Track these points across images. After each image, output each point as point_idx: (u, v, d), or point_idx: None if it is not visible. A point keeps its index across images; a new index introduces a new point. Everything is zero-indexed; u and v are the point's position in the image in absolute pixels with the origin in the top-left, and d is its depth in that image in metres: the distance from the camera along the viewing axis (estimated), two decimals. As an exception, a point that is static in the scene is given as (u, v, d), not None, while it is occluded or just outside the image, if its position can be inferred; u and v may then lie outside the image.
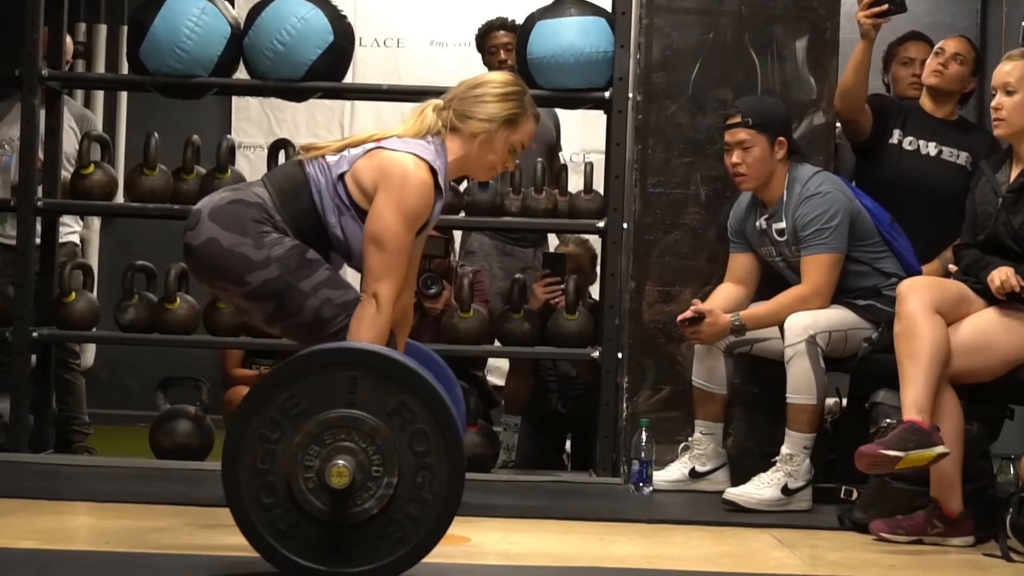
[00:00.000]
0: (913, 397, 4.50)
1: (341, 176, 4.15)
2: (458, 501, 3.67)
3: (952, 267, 5.06)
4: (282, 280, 4.10)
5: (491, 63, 6.53)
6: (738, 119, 5.29)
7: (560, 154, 6.83)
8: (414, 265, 4.44)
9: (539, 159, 5.94)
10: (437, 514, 3.65)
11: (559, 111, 6.64)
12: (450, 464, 3.65)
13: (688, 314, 5.23)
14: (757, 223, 5.33)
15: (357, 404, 3.62)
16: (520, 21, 5.98)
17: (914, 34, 6.07)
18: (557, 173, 6.03)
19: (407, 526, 3.63)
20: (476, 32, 6.63)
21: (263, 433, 3.61)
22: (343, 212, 4.16)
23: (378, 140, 4.18)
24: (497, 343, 5.87)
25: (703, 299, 5.36)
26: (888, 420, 4.73)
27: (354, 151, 4.18)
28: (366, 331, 4.02)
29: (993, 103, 4.84)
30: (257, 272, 4.09)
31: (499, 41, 6.49)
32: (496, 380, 7.60)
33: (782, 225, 5.25)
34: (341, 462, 3.56)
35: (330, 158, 4.20)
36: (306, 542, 3.62)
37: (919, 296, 4.61)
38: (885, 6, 5.50)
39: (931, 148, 5.73)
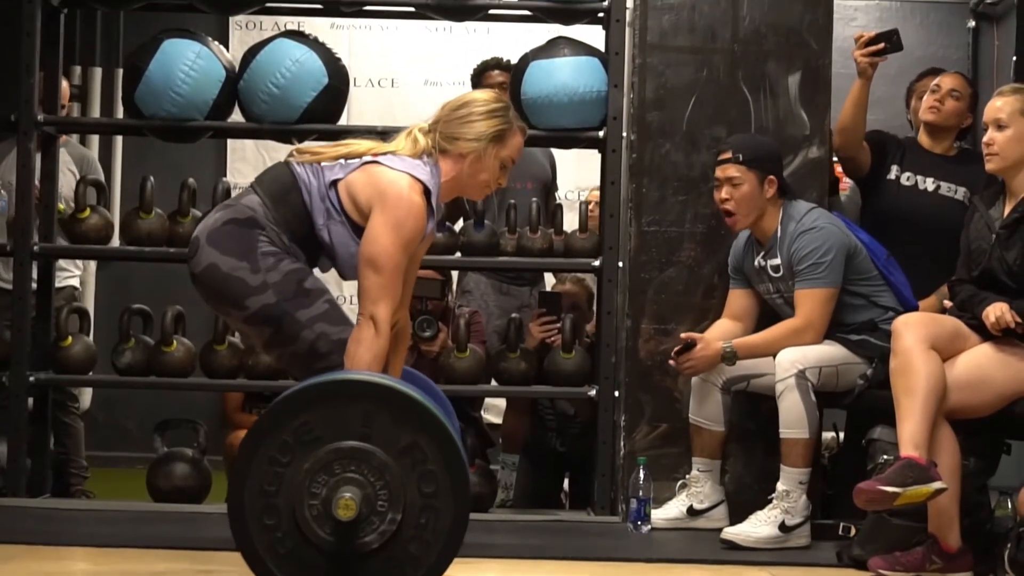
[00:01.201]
0: (910, 433, 4.50)
1: (334, 183, 4.19)
2: (459, 545, 3.68)
3: (947, 303, 5.07)
4: (279, 307, 4.12)
5: None
6: (729, 155, 5.31)
7: (556, 193, 6.85)
8: (409, 284, 4.46)
9: (534, 199, 5.95)
10: (437, 555, 3.66)
11: (554, 150, 6.65)
12: (455, 508, 3.66)
13: (683, 337, 5.24)
14: (755, 261, 5.35)
15: (370, 438, 3.63)
16: (514, 61, 6.00)
17: (931, 70, 6.10)
18: (552, 212, 6.04)
19: (406, 564, 3.64)
20: (472, 72, 6.66)
21: (273, 456, 3.63)
22: (331, 216, 4.19)
23: (375, 155, 4.21)
24: (494, 382, 5.87)
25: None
26: (885, 456, 4.74)
27: (351, 161, 4.21)
28: (364, 353, 4.04)
29: (985, 138, 4.86)
30: (255, 297, 4.12)
31: (494, 80, 6.51)
32: (492, 418, 7.61)
33: (777, 261, 5.26)
34: (348, 494, 3.57)
35: (324, 163, 4.23)
36: (303, 568, 3.63)
37: (915, 332, 4.62)
38: (881, 44, 5.54)
39: (929, 183, 5.75)
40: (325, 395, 3.69)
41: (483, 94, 4.45)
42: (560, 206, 6.05)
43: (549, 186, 6.67)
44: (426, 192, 4.17)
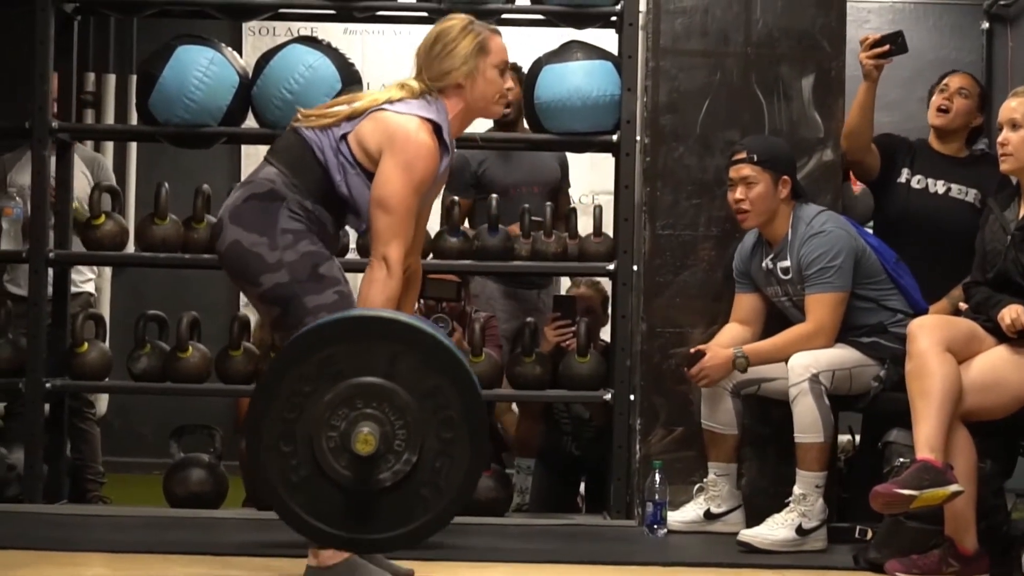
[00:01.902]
0: (926, 436, 4.49)
1: (344, 136, 4.23)
2: (469, 495, 3.73)
3: (962, 305, 5.07)
4: (290, 288, 4.15)
5: None
6: (743, 155, 5.32)
7: (569, 192, 6.85)
8: (421, 228, 4.48)
9: (548, 203, 5.95)
10: (447, 502, 3.68)
11: (567, 154, 6.66)
12: (471, 458, 3.67)
13: (692, 351, 5.24)
14: (763, 263, 5.35)
15: (395, 377, 3.64)
16: (525, 65, 6.00)
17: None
18: (566, 215, 6.04)
19: (416, 506, 3.66)
20: None
21: (296, 385, 3.63)
22: (347, 170, 4.23)
23: (379, 104, 4.25)
24: (509, 387, 5.87)
25: (711, 339, 5.38)
26: (901, 459, 4.74)
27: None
28: (377, 294, 4.08)
29: (1000, 139, 4.86)
30: (269, 274, 4.16)
31: None
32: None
33: (787, 264, 5.26)
34: (367, 429, 3.58)
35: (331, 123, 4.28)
36: (313, 498, 3.66)
37: (930, 335, 4.62)
38: (887, 47, 5.53)
39: (939, 186, 5.74)
40: (354, 330, 3.71)
41: (444, 22, 4.44)
42: (574, 210, 6.05)
43: (558, 187, 6.68)
44: (436, 130, 4.21)
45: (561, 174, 6.72)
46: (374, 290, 4.09)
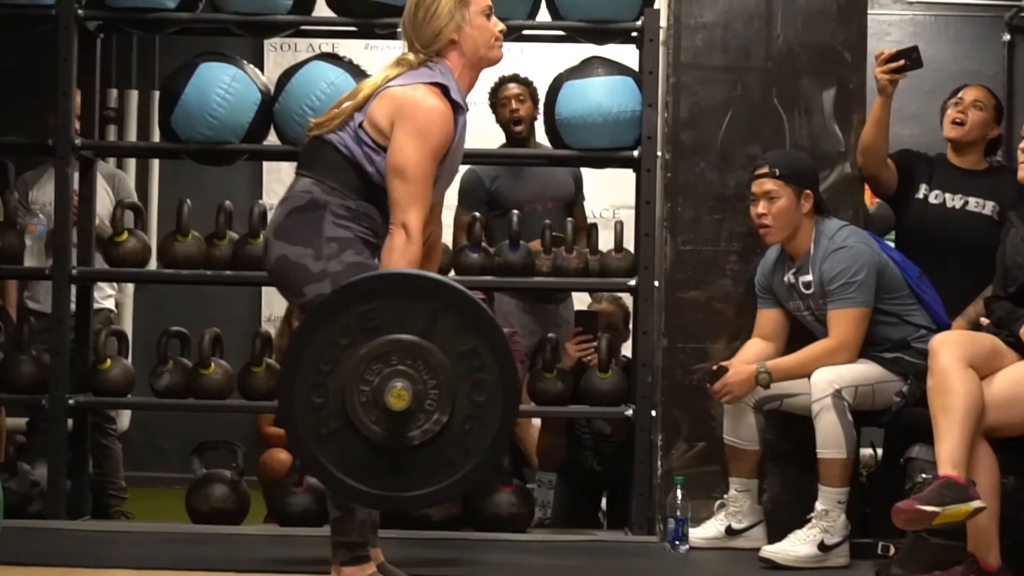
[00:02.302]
0: (948, 452, 4.48)
1: (360, 125, 4.25)
2: (496, 460, 3.75)
3: (984, 320, 5.05)
4: None
5: (503, 115, 6.63)
6: (766, 170, 5.32)
7: (584, 205, 6.86)
8: (440, 196, 4.49)
9: (568, 219, 5.96)
10: (473, 465, 3.69)
11: (586, 169, 6.67)
12: (501, 423, 3.68)
13: (715, 368, 5.24)
14: (785, 277, 5.34)
15: (432, 336, 3.65)
16: (547, 80, 6.01)
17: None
18: (587, 231, 6.04)
19: (442, 467, 3.67)
20: (489, 89, 6.70)
21: (334, 336, 3.65)
22: (373, 157, 4.24)
23: (382, 85, 4.27)
24: (530, 402, 5.87)
25: (732, 355, 5.38)
26: (924, 475, 4.72)
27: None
28: (398, 260, 4.08)
29: (1021, 144, 4.86)
30: (313, 285, 4.16)
31: (510, 93, 6.57)
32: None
33: (809, 278, 5.25)
34: (400, 384, 3.58)
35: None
36: (341, 451, 3.67)
37: (952, 350, 4.60)
38: (902, 62, 5.50)
39: (956, 200, 5.72)
40: (395, 286, 3.73)
41: None
42: (595, 225, 6.05)
43: (572, 200, 6.69)
44: (445, 92, 4.22)
45: (575, 188, 6.72)
46: (394, 257, 4.09)
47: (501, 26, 4.43)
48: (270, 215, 6.00)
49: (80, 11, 5.72)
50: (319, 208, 4.22)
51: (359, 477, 3.69)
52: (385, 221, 4.27)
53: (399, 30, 4.45)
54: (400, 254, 4.09)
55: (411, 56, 4.34)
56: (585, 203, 6.91)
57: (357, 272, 4.13)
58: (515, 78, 6.64)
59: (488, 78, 6.75)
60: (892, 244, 5.65)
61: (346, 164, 4.25)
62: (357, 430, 3.65)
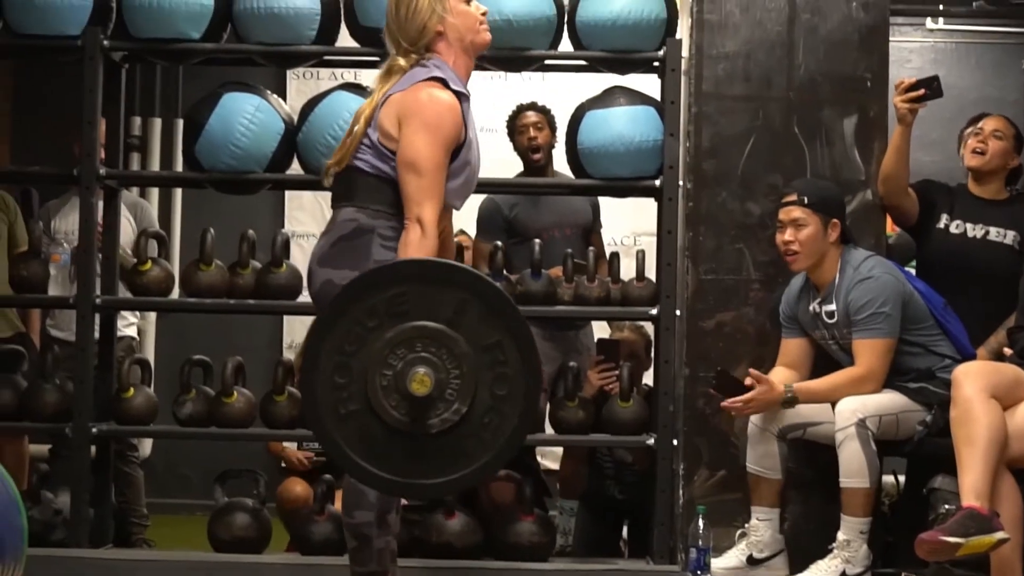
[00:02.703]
0: (971, 483, 4.48)
1: (377, 140, 4.25)
2: (510, 455, 3.73)
3: (1007, 350, 5.05)
4: None
5: (520, 143, 6.63)
6: (794, 197, 5.33)
7: (604, 232, 6.86)
8: (469, 190, 4.48)
9: (590, 248, 5.97)
10: (489, 457, 3.70)
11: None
12: (520, 418, 3.68)
13: (747, 382, 5.23)
14: (810, 306, 5.35)
15: (459, 327, 3.67)
16: (568, 108, 6.02)
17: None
18: (607, 259, 6.05)
19: (459, 457, 3.67)
20: (508, 116, 6.72)
21: (362, 317, 3.66)
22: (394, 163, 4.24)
23: (381, 98, 4.29)
24: (552, 431, 5.87)
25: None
26: (947, 506, 4.72)
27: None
28: (414, 255, 4.07)
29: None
30: None
31: (528, 121, 6.59)
32: (548, 463, 7.62)
33: (833, 308, 5.26)
34: (423, 371, 3.61)
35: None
36: (359, 433, 3.68)
37: (975, 381, 4.61)
38: (922, 91, 5.49)
39: (977, 230, 5.72)
40: (426, 273, 3.73)
41: None
42: (616, 254, 6.05)
43: (590, 227, 6.69)
44: (445, 85, 4.23)
45: (592, 216, 6.73)
46: (410, 251, 4.10)
47: (483, 8, 4.45)
48: (292, 244, 6.06)
49: (106, 41, 5.74)
50: (366, 233, 4.22)
51: (374, 460, 3.70)
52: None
53: (383, 35, 4.47)
54: (416, 248, 4.09)
55: (401, 60, 4.35)
56: (604, 230, 6.92)
57: None
58: (533, 106, 6.66)
59: (506, 106, 6.80)
60: (912, 271, 5.65)
61: (381, 183, 4.26)
62: (376, 413, 3.66)
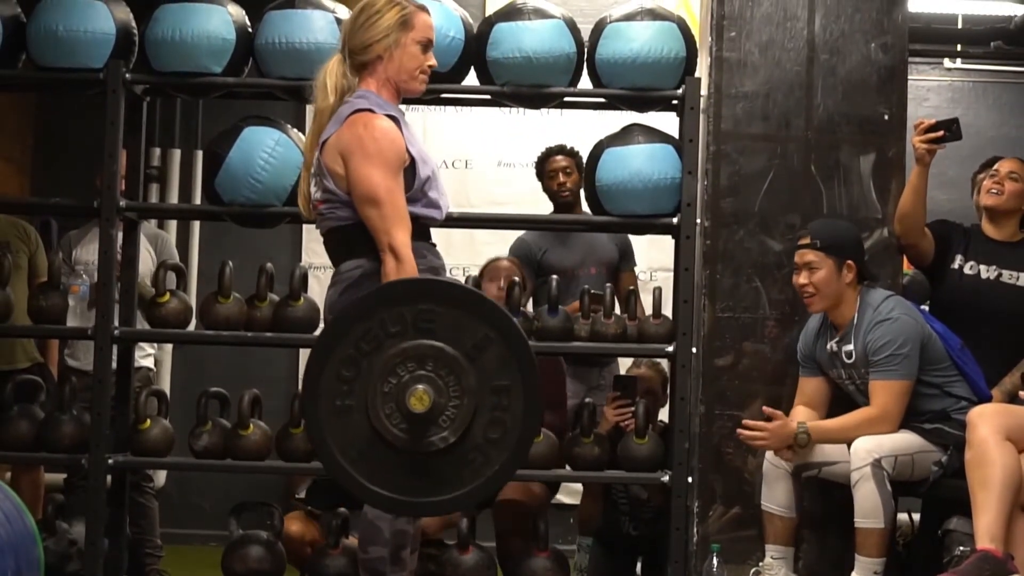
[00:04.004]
0: (986, 525, 4.49)
1: (336, 186, 4.29)
2: (482, 497, 3.86)
3: (1022, 393, 5.05)
4: None
5: (550, 187, 6.70)
6: (807, 240, 5.34)
7: (634, 271, 6.89)
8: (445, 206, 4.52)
9: (608, 284, 5.98)
10: (458, 495, 3.75)
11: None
12: (502, 465, 3.75)
13: (766, 412, 5.24)
14: (828, 346, 5.36)
15: (475, 360, 3.68)
16: (586, 144, 6.05)
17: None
18: (625, 297, 6.07)
19: (433, 483, 3.72)
20: (536, 158, 6.76)
21: (385, 320, 3.71)
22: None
23: (320, 143, 4.35)
24: (567, 467, 5.87)
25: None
26: (962, 548, 4.73)
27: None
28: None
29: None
30: None
31: (557, 165, 6.64)
32: (565, 498, 7.62)
33: (851, 347, 5.27)
34: (423, 388, 3.64)
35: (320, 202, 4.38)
36: (345, 429, 3.71)
37: (990, 423, 4.61)
38: (941, 132, 5.50)
39: (991, 272, 5.72)
40: (462, 299, 3.75)
41: None
42: (635, 291, 6.06)
43: (616, 265, 6.73)
44: (371, 112, 4.26)
45: (619, 255, 6.75)
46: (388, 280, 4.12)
47: (431, 60, 4.46)
48: (310, 277, 6.07)
49: (128, 75, 5.78)
50: (373, 276, 4.24)
51: (352, 460, 3.71)
52: (430, 241, 4.34)
53: (341, 33, 4.54)
54: (395, 276, 4.11)
55: (336, 75, 4.38)
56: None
57: None
58: (562, 149, 6.70)
59: (524, 142, 6.82)
60: (926, 309, 5.66)
61: (362, 229, 4.28)
62: (368, 416, 3.67)
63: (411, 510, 3.87)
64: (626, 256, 6.84)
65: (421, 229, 4.38)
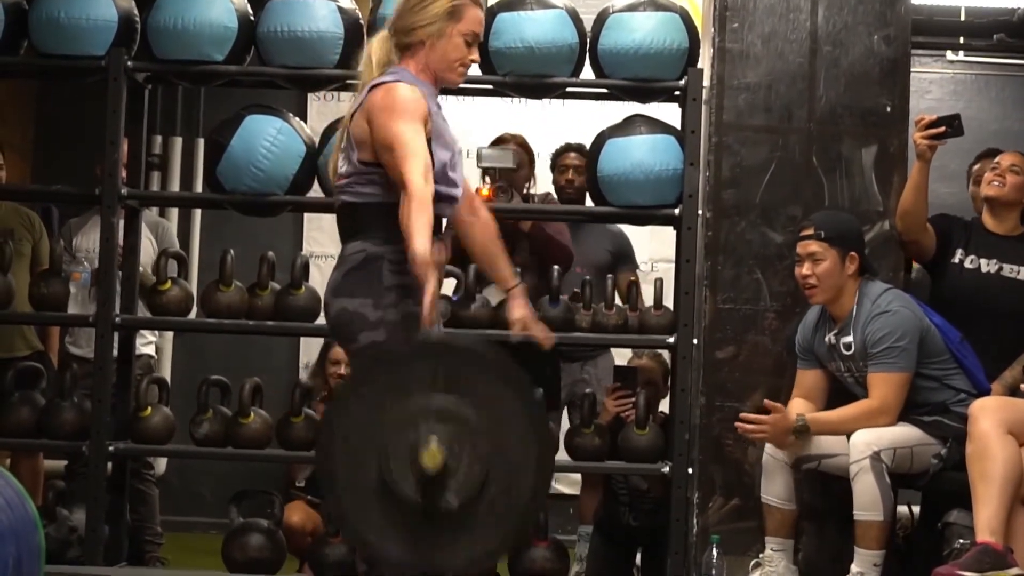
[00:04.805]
0: (986, 518, 4.49)
1: (358, 159, 4.24)
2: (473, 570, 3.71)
3: (1023, 386, 5.05)
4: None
5: (559, 180, 6.68)
6: (811, 231, 5.33)
7: (633, 271, 6.85)
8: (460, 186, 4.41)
9: (609, 276, 5.98)
10: (442, 558, 3.68)
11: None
12: (500, 540, 3.71)
13: (766, 404, 5.24)
14: (826, 338, 5.35)
15: (497, 433, 3.64)
16: (588, 134, 6.05)
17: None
18: (627, 288, 6.07)
19: (423, 542, 3.65)
20: (552, 153, 6.75)
21: (422, 375, 3.65)
22: (388, 178, 4.20)
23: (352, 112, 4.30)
24: (567, 457, 5.87)
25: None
26: (961, 541, 4.73)
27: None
28: (413, 221, 3.95)
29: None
30: (368, 332, 4.14)
31: (569, 162, 6.63)
32: (564, 488, 7.62)
33: (849, 339, 5.26)
34: (436, 446, 3.58)
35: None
36: (350, 462, 3.65)
37: (991, 417, 4.62)
38: (942, 128, 5.49)
39: (991, 265, 5.72)
40: (499, 367, 3.69)
41: None
42: (636, 283, 6.06)
43: (608, 269, 6.61)
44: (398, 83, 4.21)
45: (613, 259, 6.67)
46: (406, 219, 3.97)
47: (474, 55, 4.40)
48: (311, 265, 6.07)
49: (130, 63, 5.78)
50: (376, 260, 4.18)
51: (348, 498, 3.68)
52: (440, 232, 4.26)
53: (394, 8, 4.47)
54: (409, 212, 3.98)
55: (381, 51, 4.34)
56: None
57: (414, 324, 4.09)
58: (579, 148, 6.64)
59: (545, 133, 6.80)
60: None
61: (374, 210, 4.23)
62: (376, 458, 3.65)
63: (398, 563, 3.81)
64: (623, 259, 6.75)
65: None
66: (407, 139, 4.09)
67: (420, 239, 3.89)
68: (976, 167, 6.05)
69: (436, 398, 3.63)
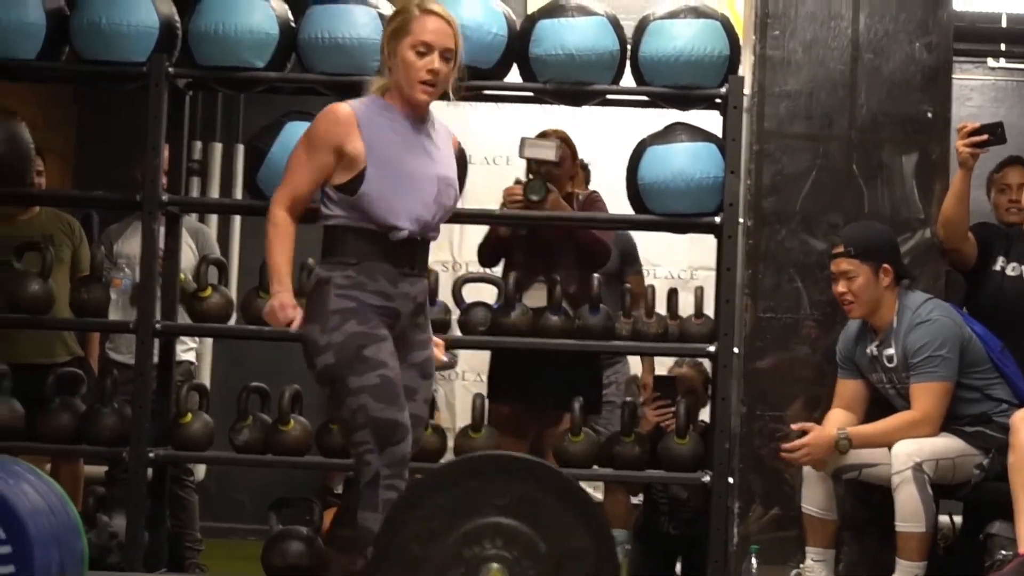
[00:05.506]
0: (1029, 530, 4.46)
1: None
2: None
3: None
4: (336, 369, 4.23)
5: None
6: (841, 249, 5.31)
7: (640, 272, 6.80)
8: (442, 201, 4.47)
9: (650, 284, 5.95)
10: None
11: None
12: None
13: (796, 428, 5.22)
14: (868, 349, 5.33)
15: (558, 557, 3.61)
16: (628, 142, 6.02)
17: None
18: (668, 295, 6.04)
19: None
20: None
21: (477, 500, 3.61)
22: (333, 198, 4.36)
23: None
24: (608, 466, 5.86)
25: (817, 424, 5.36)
26: (1004, 552, 4.71)
27: None
28: (267, 243, 4.35)
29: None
30: (320, 356, 4.25)
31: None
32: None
33: (891, 351, 5.24)
34: (496, 566, 3.56)
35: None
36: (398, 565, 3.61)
37: (1033, 427, 4.59)
38: (985, 136, 5.46)
39: (1032, 273, 5.71)
40: (563, 492, 3.66)
41: None
42: (675, 289, 6.04)
43: (615, 274, 6.55)
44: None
45: (620, 262, 6.61)
46: (267, 244, 4.36)
47: (432, 65, 4.36)
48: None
49: (171, 69, 5.79)
50: (324, 285, 4.29)
51: None
52: (395, 266, 4.31)
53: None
54: (269, 238, 4.35)
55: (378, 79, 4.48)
56: (662, 264, 6.88)
57: (359, 342, 4.21)
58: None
59: (584, 139, 6.77)
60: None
61: (333, 232, 4.35)
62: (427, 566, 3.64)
63: None
64: (629, 260, 6.69)
65: (374, 240, 4.32)
66: (290, 164, 4.38)
67: (270, 259, 4.33)
68: (998, 175, 6.02)
69: (508, 521, 3.60)
